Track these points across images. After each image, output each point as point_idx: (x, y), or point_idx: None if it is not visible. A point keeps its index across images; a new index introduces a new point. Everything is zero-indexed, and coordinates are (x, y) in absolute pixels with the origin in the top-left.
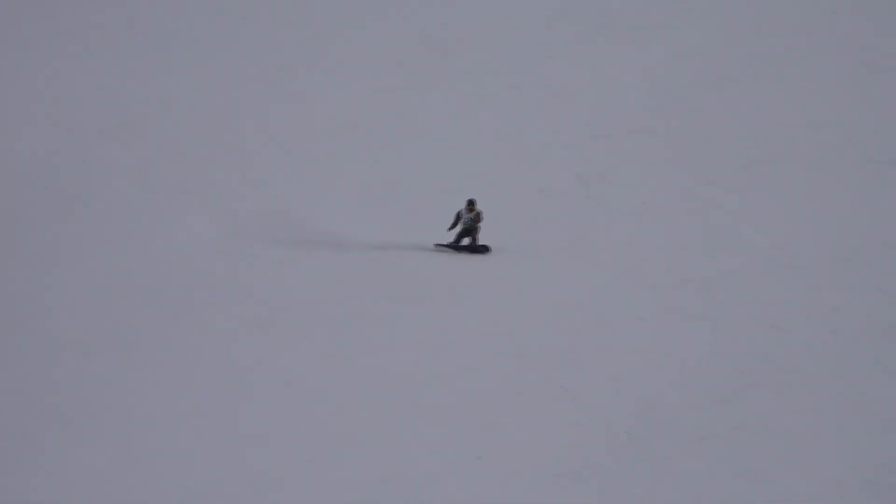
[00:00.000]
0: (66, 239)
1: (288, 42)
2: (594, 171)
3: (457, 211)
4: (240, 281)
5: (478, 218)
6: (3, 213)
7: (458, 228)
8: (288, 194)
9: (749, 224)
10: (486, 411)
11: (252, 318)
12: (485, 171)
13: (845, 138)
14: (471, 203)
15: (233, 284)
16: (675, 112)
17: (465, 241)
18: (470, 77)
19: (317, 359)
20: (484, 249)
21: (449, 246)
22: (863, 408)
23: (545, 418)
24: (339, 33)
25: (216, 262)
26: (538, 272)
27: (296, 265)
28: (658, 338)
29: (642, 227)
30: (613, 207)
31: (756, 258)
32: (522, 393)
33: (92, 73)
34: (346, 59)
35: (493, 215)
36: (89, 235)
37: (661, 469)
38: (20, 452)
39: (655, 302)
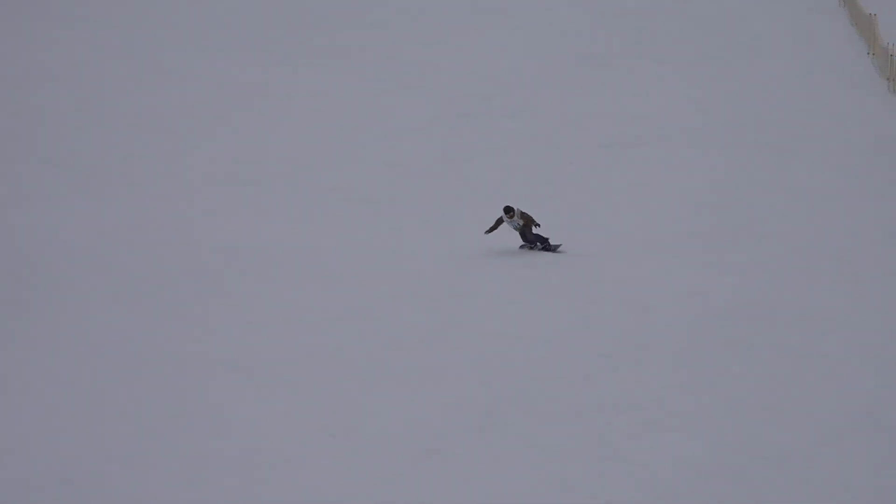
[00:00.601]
0: None
1: None
2: (459, 151)
3: (497, 217)
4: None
5: (528, 220)
6: None
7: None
8: None
9: (612, 204)
10: (345, 390)
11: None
12: (351, 148)
13: (710, 121)
14: (508, 210)
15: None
16: (540, 92)
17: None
18: (336, 55)
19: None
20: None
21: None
22: (723, 387)
23: (407, 397)
24: None
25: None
26: (395, 249)
27: None
28: (522, 317)
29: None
30: (476, 187)
31: (618, 238)
32: (387, 372)
33: None
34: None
35: (358, 192)
36: None
37: (523, 447)
38: None
39: (518, 281)
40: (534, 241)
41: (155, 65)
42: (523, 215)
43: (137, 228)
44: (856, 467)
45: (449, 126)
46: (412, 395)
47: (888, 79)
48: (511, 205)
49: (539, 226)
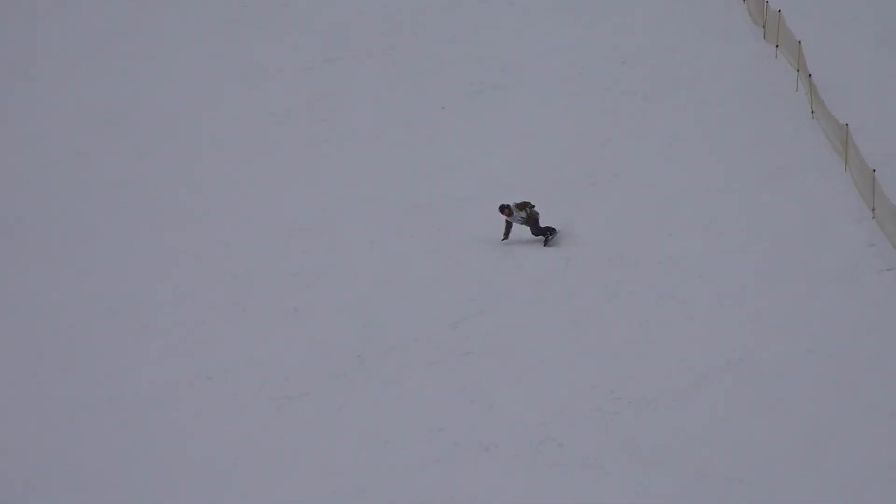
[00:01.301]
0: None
1: None
2: (328, 95)
3: (504, 225)
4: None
5: (531, 214)
6: None
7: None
8: None
9: (481, 150)
10: (209, 333)
11: None
12: (216, 96)
13: (579, 67)
14: (502, 209)
15: None
16: (411, 36)
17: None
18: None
19: None
20: (550, 233)
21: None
22: (589, 332)
23: (272, 341)
24: None
25: None
26: (265, 196)
27: None
28: (389, 262)
29: (375, 153)
30: (346, 131)
31: (485, 183)
32: (247, 312)
33: None
34: None
35: (226, 140)
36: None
37: (391, 392)
38: None
39: (387, 227)
40: (543, 233)
41: None
42: (524, 207)
43: None
44: (726, 411)
45: (317, 71)
46: (287, 340)
47: (762, 25)
48: (506, 203)
49: (534, 206)
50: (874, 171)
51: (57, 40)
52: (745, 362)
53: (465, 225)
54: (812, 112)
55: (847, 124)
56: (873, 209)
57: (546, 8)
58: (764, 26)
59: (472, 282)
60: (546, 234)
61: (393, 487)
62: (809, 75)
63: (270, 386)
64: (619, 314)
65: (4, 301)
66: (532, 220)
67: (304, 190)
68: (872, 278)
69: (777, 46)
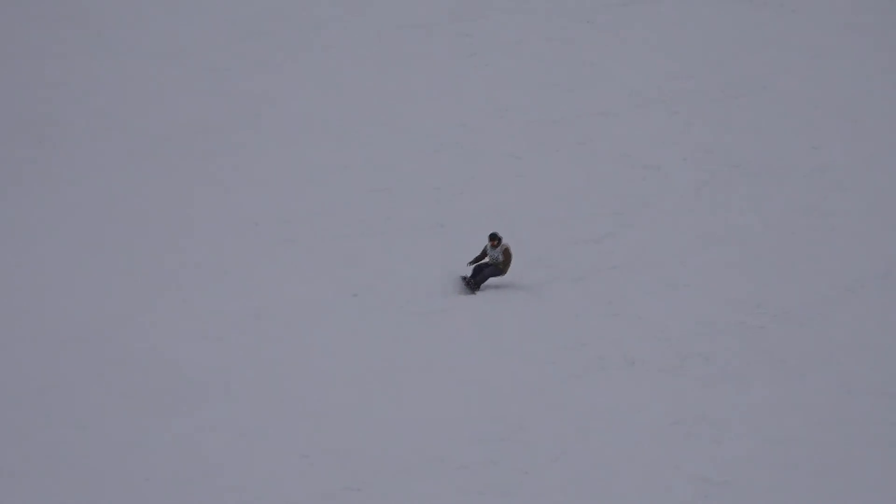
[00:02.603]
0: None
1: None
2: (470, 7)
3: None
4: None
5: (507, 257)
6: None
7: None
8: None
9: (624, 61)
10: (354, 248)
11: None
12: (359, 7)
13: None
14: (493, 238)
15: None
16: None
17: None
18: None
19: None
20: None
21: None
22: (733, 245)
23: (416, 257)
24: None
25: None
26: (407, 109)
27: None
28: (532, 177)
29: (515, 67)
30: (488, 45)
31: (629, 98)
32: (392, 226)
33: None
34: None
35: (368, 53)
36: None
37: (533, 305)
38: None
39: (530, 141)
40: (479, 283)
41: None
42: (506, 252)
43: None
44: (872, 323)
45: None
46: (430, 255)
47: None
48: (498, 233)
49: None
50: None
51: None
52: (892, 274)
53: (606, 140)
54: None
55: None
56: None
57: None
58: None
59: (615, 196)
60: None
61: (537, 400)
62: None
63: (415, 300)
64: (764, 227)
65: (151, 215)
66: (497, 267)
67: (445, 104)
68: None
69: None
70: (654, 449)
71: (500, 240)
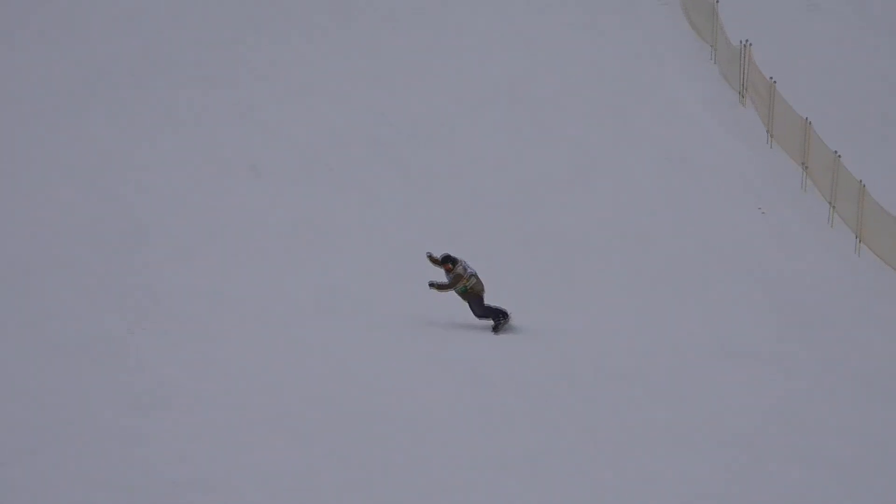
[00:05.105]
0: None
1: None
2: None
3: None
4: None
5: (473, 287)
6: None
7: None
8: None
9: None
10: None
11: None
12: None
13: None
14: (442, 260)
15: None
16: None
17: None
18: None
19: None
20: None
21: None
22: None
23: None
24: None
25: None
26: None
27: None
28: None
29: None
30: None
31: None
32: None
33: None
34: None
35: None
36: None
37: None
38: None
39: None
40: (490, 315)
41: None
42: (457, 276)
43: None
44: None
45: None
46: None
47: None
48: (451, 255)
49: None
50: None
51: None
52: None
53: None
54: None
55: None
56: None
57: None
58: None
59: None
60: (496, 318)
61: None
62: None
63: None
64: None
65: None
66: (473, 295)
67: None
68: None
69: None
70: None
71: (452, 262)
